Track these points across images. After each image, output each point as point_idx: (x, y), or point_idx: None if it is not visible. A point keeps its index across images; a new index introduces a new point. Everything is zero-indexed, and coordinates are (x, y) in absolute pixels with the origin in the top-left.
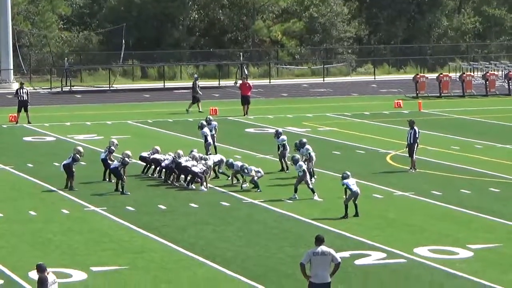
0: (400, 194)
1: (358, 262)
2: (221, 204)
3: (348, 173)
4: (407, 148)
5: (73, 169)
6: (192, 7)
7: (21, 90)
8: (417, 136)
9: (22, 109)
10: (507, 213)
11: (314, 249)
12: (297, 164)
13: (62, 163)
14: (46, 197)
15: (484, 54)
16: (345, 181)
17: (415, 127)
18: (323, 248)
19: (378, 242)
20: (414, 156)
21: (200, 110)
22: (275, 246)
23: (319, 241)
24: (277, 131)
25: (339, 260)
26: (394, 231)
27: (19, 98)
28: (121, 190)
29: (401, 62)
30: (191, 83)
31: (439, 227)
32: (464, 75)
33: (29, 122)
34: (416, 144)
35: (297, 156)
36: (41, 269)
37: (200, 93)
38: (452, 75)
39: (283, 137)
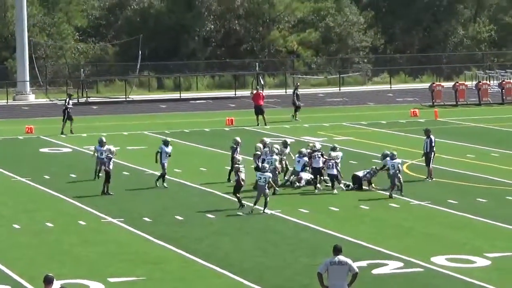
0: (417, 203)
1: (375, 271)
2: (238, 214)
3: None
4: (424, 157)
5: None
6: (208, 17)
7: (70, 101)
8: (433, 145)
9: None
10: None
11: (331, 258)
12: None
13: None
14: (63, 208)
15: (500, 62)
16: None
17: (431, 136)
18: (340, 257)
19: (395, 251)
20: (431, 165)
21: (297, 118)
22: (292, 256)
23: (336, 250)
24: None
25: (357, 270)
26: (411, 240)
27: (67, 109)
28: (106, 190)
29: (417, 71)
30: (292, 91)
31: (456, 236)
32: (480, 83)
33: (71, 132)
34: (432, 153)
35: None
36: (45, 280)
37: (300, 102)
38: (468, 83)
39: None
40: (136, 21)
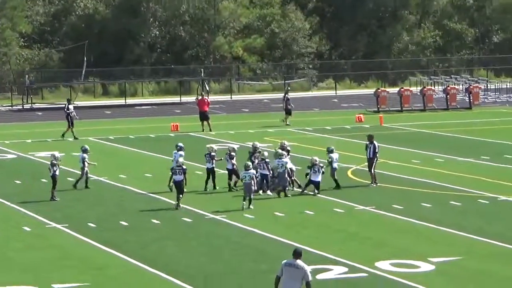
0: (361, 208)
1: (319, 276)
2: (183, 219)
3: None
4: (367, 163)
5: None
6: (153, 24)
7: (70, 106)
8: (376, 150)
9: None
10: (468, 226)
11: (289, 260)
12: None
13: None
14: (7, 214)
15: (445, 68)
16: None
17: (375, 142)
18: (298, 262)
19: (340, 257)
20: (373, 170)
21: (288, 123)
22: (237, 262)
23: (296, 254)
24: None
25: (310, 279)
26: (356, 245)
27: (70, 115)
28: (52, 196)
29: (362, 77)
30: (282, 96)
31: (400, 241)
32: (425, 89)
33: (75, 138)
34: (375, 159)
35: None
36: None
37: (292, 105)
38: (413, 89)
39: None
40: (81, 27)
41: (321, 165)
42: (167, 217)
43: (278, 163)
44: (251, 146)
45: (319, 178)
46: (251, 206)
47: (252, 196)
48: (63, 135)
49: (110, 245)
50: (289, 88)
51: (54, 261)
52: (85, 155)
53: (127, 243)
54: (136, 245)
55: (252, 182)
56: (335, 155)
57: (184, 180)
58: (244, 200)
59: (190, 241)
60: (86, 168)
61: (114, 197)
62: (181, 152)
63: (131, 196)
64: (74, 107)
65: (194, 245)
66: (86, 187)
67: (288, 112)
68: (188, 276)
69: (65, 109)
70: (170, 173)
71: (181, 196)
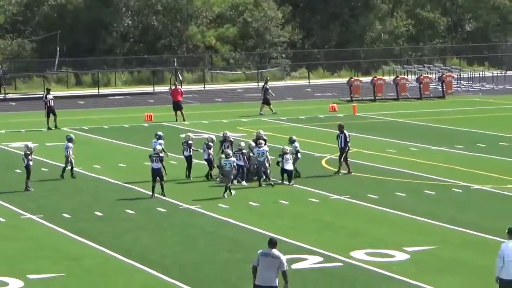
0: (336, 198)
1: (295, 266)
2: (157, 209)
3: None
4: (339, 152)
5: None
6: (125, 13)
7: (48, 96)
8: (347, 140)
9: (50, 114)
10: (442, 215)
11: (264, 250)
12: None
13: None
14: None
15: (417, 57)
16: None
17: (345, 131)
18: (274, 251)
19: (315, 246)
20: (343, 159)
21: (274, 111)
22: (211, 252)
23: (271, 243)
24: (291, 137)
25: (286, 268)
26: (331, 235)
27: (47, 104)
28: (26, 186)
29: (335, 66)
30: (262, 86)
31: (375, 230)
32: (398, 78)
33: (56, 127)
34: (347, 148)
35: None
36: None
37: (273, 94)
38: (386, 78)
39: (297, 143)
40: (54, 17)
41: (289, 152)
42: (142, 207)
43: (258, 152)
44: (221, 135)
45: (290, 166)
46: (232, 192)
47: (230, 186)
48: (51, 127)
49: (85, 236)
50: (267, 78)
51: (29, 252)
52: (70, 144)
53: (102, 234)
54: (111, 235)
55: (233, 170)
56: (297, 144)
57: (162, 168)
58: (225, 189)
59: (164, 231)
60: (71, 157)
61: (88, 188)
62: (161, 141)
63: (105, 186)
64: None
65: (168, 235)
66: (72, 175)
67: (267, 102)
68: (163, 266)
69: (43, 99)
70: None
71: (163, 182)
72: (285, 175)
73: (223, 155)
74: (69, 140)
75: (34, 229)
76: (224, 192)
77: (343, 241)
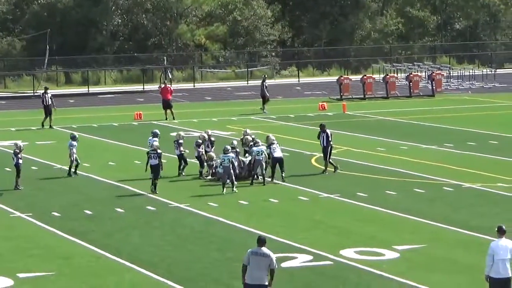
0: (326, 196)
1: (284, 264)
2: (147, 208)
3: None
4: (322, 152)
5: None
6: (115, 12)
7: (46, 95)
8: (330, 139)
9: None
10: (432, 213)
11: (254, 248)
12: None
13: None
14: None
15: (407, 55)
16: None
17: (327, 130)
18: (263, 249)
19: (305, 245)
20: (329, 159)
21: (265, 111)
22: (201, 250)
23: (260, 242)
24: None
25: (275, 266)
26: (321, 233)
27: (44, 103)
28: (16, 185)
29: (325, 65)
30: (260, 83)
31: (365, 228)
32: (388, 76)
33: (51, 127)
34: (330, 147)
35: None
36: None
37: (267, 94)
38: (376, 76)
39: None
40: (44, 15)
41: (275, 142)
42: (131, 206)
43: (257, 150)
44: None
45: (280, 153)
46: (235, 189)
47: (234, 178)
48: (47, 126)
49: (75, 234)
50: (265, 75)
51: (19, 251)
52: (73, 142)
53: (91, 232)
54: (100, 234)
55: (232, 165)
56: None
57: (160, 164)
58: (223, 185)
59: (154, 229)
60: (74, 155)
61: (78, 186)
62: (156, 139)
63: (95, 184)
64: (39, 96)
65: (158, 234)
66: (75, 173)
67: (263, 98)
68: (153, 265)
69: (42, 97)
70: (147, 157)
71: (156, 180)
72: (277, 165)
73: (213, 154)
74: (73, 138)
75: (24, 228)
76: (225, 190)
77: (333, 240)
